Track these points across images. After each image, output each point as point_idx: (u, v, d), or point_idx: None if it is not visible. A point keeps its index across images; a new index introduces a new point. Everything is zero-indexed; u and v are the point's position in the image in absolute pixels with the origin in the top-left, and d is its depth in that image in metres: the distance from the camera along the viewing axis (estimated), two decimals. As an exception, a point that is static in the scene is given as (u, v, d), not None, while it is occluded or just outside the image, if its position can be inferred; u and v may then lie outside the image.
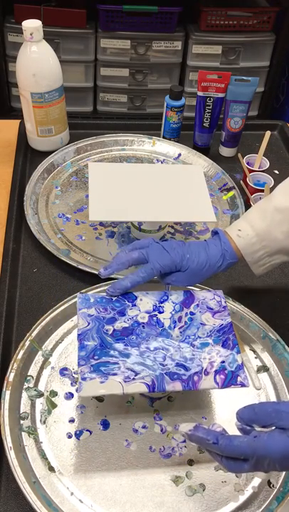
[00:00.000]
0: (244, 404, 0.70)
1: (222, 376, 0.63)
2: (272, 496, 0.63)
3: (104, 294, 0.71)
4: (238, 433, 0.54)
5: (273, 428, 0.52)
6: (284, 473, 0.65)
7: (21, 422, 0.67)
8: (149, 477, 0.64)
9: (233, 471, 0.54)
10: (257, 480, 0.64)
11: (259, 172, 1.03)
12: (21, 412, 0.68)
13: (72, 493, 0.62)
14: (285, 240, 0.72)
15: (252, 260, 0.74)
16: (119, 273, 0.74)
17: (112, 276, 0.81)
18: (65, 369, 0.73)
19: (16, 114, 1.94)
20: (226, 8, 1.82)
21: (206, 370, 0.63)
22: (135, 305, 0.70)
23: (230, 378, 0.63)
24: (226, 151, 1.14)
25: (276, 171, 1.11)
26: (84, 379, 0.61)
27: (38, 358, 0.73)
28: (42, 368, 0.72)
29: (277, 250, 0.73)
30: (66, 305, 0.78)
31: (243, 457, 0.51)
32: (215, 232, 0.76)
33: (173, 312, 0.69)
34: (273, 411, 0.52)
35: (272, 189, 0.95)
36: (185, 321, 0.69)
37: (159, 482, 0.63)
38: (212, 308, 0.70)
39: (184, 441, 0.67)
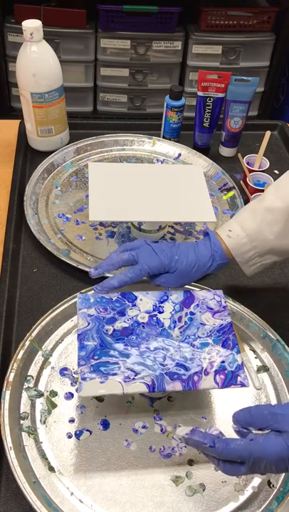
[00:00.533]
0: (244, 405, 0.70)
1: (222, 376, 0.63)
2: (272, 495, 0.63)
3: (104, 294, 0.71)
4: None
5: (269, 431, 0.52)
6: (284, 473, 0.65)
7: (21, 422, 0.67)
8: (149, 477, 0.64)
9: (230, 474, 0.54)
10: (257, 480, 0.64)
11: (259, 172, 1.03)
12: (21, 412, 0.68)
13: (72, 493, 0.62)
14: (275, 240, 0.72)
15: (242, 260, 0.74)
16: (112, 273, 0.75)
17: (111, 276, 0.81)
18: (65, 369, 0.73)
19: (16, 114, 1.94)
20: (226, 8, 1.82)
21: (206, 370, 0.63)
22: (135, 305, 0.70)
23: (230, 378, 0.63)
24: (226, 151, 1.14)
25: (276, 171, 1.11)
26: (84, 379, 0.61)
27: (38, 358, 0.73)
28: (42, 368, 0.73)
29: (268, 250, 0.73)
30: (66, 305, 0.78)
31: (240, 460, 0.52)
32: (206, 233, 0.76)
33: (173, 312, 0.69)
34: (269, 414, 0.52)
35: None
36: (185, 321, 0.69)
37: (159, 482, 0.63)
38: (212, 308, 0.70)
39: (184, 441, 0.67)
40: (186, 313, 0.69)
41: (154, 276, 0.72)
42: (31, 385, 0.70)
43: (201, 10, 1.82)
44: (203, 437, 0.54)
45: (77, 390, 0.66)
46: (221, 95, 1.04)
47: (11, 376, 0.69)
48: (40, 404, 0.69)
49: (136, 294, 0.71)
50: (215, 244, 0.73)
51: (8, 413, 0.65)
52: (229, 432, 0.67)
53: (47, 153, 1.06)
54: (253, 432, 0.53)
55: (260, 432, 0.53)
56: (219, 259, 0.73)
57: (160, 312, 0.69)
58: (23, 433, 0.66)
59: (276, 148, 1.18)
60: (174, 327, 0.68)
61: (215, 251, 0.73)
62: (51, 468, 0.63)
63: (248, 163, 1.04)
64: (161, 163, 1.10)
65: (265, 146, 1.04)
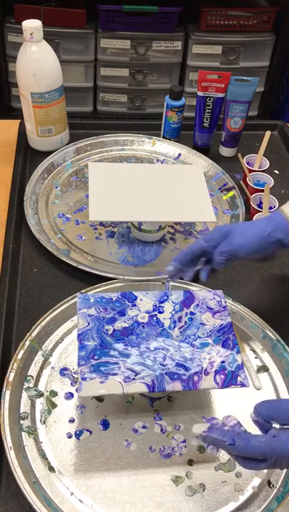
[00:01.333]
0: (244, 405, 0.71)
1: (222, 376, 0.63)
2: (272, 495, 0.63)
3: (104, 294, 0.71)
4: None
5: None
6: (284, 473, 0.65)
7: (21, 422, 0.67)
8: (149, 477, 0.64)
9: (250, 469, 0.53)
10: (257, 480, 0.64)
11: (259, 172, 1.03)
12: (21, 412, 0.68)
13: (72, 493, 0.62)
14: None
15: None
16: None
17: (111, 276, 0.82)
18: (65, 369, 0.73)
19: (16, 114, 1.94)
20: (226, 8, 1.82)
21: (206, 370, 0.63)
22: (135, 305, 0.70)
23: (230, 378, 0.63)
24: (225, 151, 1.14)
25: (276, 171, 1.11)
26: (84, 379, 0.61)
27: (38, 358, 0.73)
28: (42, 368, 0.73)
29: None
30: (66, 305, 0.78)
31: (262, 457, 0.50)
32: None
33: (173, 312, 0.69)
34: None
35: (271, 190, 0.96)
36: (185, 321, 0.69)
37: (159, 482, 0.63)
38: (212, 308, 0.70)
39: (184, 441, 0.67)
40: (186, 313, 0.70)
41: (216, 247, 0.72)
42: (31, 385, 0.70)
43: (201, 10, 1.82)
44: (222, 435, 0.52)
45: (77, 390, 0.66)
46: (221, 95, 1.04)
47: (11, 376, 0.69)
48: (40, 404, 0.69)
49: (136, 293, 0.71)
50: (275, 213, 0.73)
51: (8, 413, 0.65)
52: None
53: (47, 153, 1.06)
54: (275, 426, 0.52)
55: (284, 426, 0.51)
56: (277, 220, 0.70)
57: (160, 312, 0.69)
58: (23, 433, 0.66)
59: (276, 148, 1.18)
60: (174, 327, 0.68)
61: (274, 217, 0.71)
62: (51, 468, 0.63)
63: (248, 163, 1.04)
64: (161, 163, 1.10)
65: (265, 146, 1.04)
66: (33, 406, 0.69)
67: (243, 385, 0.63)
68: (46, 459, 0.64)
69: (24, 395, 0.69)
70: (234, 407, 0.71)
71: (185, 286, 0.82)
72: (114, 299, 0.70)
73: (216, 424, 0.53)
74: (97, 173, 0.91)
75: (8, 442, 0.62)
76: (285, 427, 0.51)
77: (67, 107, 1.08)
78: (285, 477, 0.65)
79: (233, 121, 1.07)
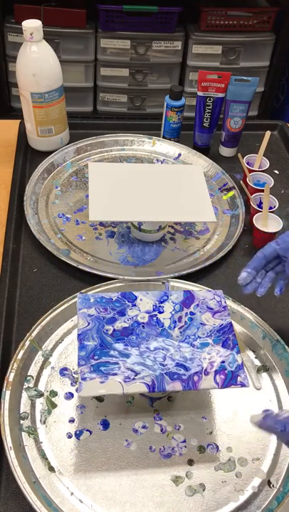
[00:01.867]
0: (244, 405, 0.71)
1: (222, 376, 0.63)
2: (272, 495, 0.63)
3: (104, 294, 0.71)
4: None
5: None
6: (284, 473, 0.65)
7: (21, 422, 0.67)
8: (149, 477, 0.64)
9: None
10: (257, 480, 0.64)
11: (259, 172, 1.03)
12: (21, 412, 0.68)
13: (72, 493, 0.62)
14: None
15: None
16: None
17: (111, 276, 0.82)
18: (65, 369, 0.73)
19: (16, 114, 1.94)
20: (226, 8, 1.82)
21: (206, 370, 0.63)
22: (135, 305, 0.70)
23: (230, 378, 0.63)
24: (225, 151, 1.14)
25: (276, 171, 1.11)
26: (84, 379, 0.61)
27: (38, 358, 0.73)
28: (42, 368, 0.73)
29: None
30: (66, 305, 0.78)
31: None
32: None
33: (173, 312, 0.69)
34: None
35: (271, 190, 0.96)
36: (185, 321, 0.69)
37: (159, 482, 0.63)
38: (212, 308, 0.70)
39: (184, 441, 0.67)
40: (186, 313, 0.70)
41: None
42: (31, 385, 0.70)
43: (201, 10, 1.82)
44: (275, 422, 0.55)
45: (77, 390, 0.66)
46: (221, 95, 1.04)
47: (11, 376, 0.69)
48: (40, 404, 0.69)
49: (136, 294, 0.71)
50: None
51: (8, 413, 0.65)
52: (229, 431, 0.68)
53: (47, 153, 1.06)
54: None
55: None
56: None
57: (160, 312, 0.69)
58: (23, 433, 0.66)
59: (276, 148, 1.18)
60: (174, 327, 0.68)
61: None
62: (51, 468, 0.63)
63: (248, 163, 1.04)
64: (161, 163, 1.10)
65: (265, 146, 1.04)
66: (33, 406, 0.69)
67: (243, 385, 0.63)
68: (46, 459, 0.64)
69: (24, 395, 0.69)
70: (234, 407, 0.71)
71: (185, 286, 0.82)
72: (114, 299, 0.70)
73: (271, 414, 0.57)
74: (97, 173, 0.91)
75: (8, 442, 0.62)
76: None
77: (67, 107, 1.08)
78: (285, 477, 0.65)
79: (233, 121, 1.07)
